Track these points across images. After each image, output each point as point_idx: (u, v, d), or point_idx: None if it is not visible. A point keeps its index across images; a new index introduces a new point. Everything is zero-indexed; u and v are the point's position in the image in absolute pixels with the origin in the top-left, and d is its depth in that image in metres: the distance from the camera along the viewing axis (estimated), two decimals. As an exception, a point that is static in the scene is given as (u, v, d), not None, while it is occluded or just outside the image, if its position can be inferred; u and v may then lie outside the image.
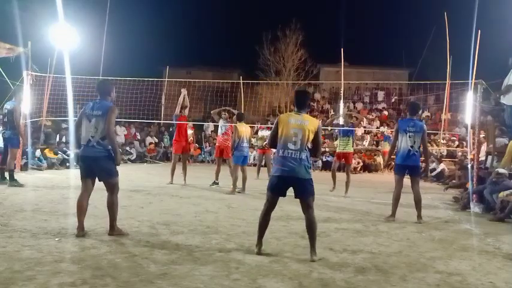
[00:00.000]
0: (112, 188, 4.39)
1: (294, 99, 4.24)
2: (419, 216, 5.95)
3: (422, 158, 6.44)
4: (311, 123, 3.91)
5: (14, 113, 7.74)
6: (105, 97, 4.46)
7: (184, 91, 9.67)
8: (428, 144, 17.97)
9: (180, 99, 9.64)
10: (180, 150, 9.50)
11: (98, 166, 4.31)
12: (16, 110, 7.77)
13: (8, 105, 7.95)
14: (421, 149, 6.02)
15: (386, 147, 17.84)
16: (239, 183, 8.20)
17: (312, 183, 3.89)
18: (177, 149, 9.50)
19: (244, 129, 8.31)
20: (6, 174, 7.78)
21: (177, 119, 9.56)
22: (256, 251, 3.85)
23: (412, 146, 5.94)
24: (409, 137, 5.94)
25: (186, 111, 9.71)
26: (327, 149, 19.02)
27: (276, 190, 3.92)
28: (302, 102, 4.17)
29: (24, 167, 10.56)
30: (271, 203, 3.96)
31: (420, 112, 22.17)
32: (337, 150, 9.14)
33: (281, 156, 3.86)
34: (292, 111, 4.20)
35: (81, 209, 4.36)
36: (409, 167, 6.00)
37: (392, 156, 6.55)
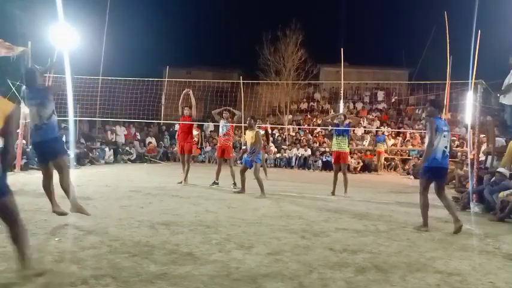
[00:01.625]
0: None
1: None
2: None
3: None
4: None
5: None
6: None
7: (188, 90, 9.70)
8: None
9: (181, 99, 9.68)
10: (180, 150, 9.63)
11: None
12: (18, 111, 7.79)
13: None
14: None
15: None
16: (239, 184, 8.23)
17: None
18: (178, 149, 9.70)
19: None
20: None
21: (180, 119, 9.64)
22: None
23: (446, 147, 5.43)
24: (444, 136, 5.42)
25: (193, 111, 9.63)
26: (327, 149, 19.04)
27: None
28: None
29: (24, 167, 10.57)
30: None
31: (420, 112, 22.24)
32: (333, 149, 9.09)
33: None
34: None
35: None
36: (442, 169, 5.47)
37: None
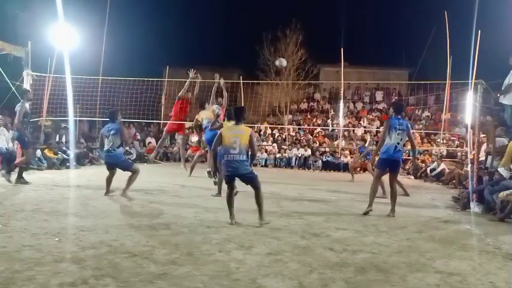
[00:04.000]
0: None
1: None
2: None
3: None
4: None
5: (17, 113, 7.86)
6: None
7: (192, 73, 9.88)
8: (429, 144, 18.06)
9: (187, 85, 9.94)
10: (169, 130, 10.30)
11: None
12: (20, 110, 7.86)
13: (17, 107, 8.06)
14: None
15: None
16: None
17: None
18: (168, 129, 10.46)
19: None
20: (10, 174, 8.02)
21: (178, 100, 9.95)
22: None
23: (398, 143, 6.33)
24: (398, 134, 6.31)
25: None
26: (327, 149, 19.05)
27: None
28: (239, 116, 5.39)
29: (24, 167, 10.56)
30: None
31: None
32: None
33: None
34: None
35: None
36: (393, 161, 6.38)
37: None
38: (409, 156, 18.35)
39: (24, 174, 8.22)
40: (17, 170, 8.09)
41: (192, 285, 3.03)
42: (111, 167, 6.93)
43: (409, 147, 18.91)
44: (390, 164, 6.43)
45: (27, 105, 8.31)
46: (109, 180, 6.97)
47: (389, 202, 6.50)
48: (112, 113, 6.99)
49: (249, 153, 5.17)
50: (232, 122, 5.40)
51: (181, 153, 10.95)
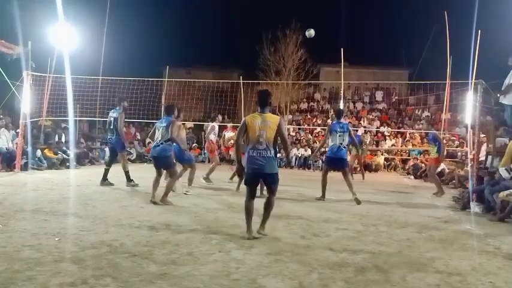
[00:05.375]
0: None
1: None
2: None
3: None
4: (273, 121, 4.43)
5: (119, 120, 8.29)
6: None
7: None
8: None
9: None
10: None
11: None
12: (121, 117, 8.32)
13: (113, 113, 8.42)
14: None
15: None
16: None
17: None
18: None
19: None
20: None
21: None
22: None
23: (341, 143, 7.60)
24: (339, 136, 7.58)
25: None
26: (327, 149, 19.00)
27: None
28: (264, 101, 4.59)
29: (24, 167, 10.57)
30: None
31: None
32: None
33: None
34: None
35: None
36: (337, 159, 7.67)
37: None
38: (409, 156, 18.40)
39: (24, 174, 8.23)
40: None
41: (192, 285, 3.03)
42: (155, 163, 6.63)
43: (410, 147, 19.11)
44: (335, 161, 7.75)
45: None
46: (155, 184, 6.52)
47: (386, 201, 6.58)
48: (170, 107, 6.82)
49: (278, 148, 4.55)
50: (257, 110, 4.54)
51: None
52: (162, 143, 6.38)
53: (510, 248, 4.58)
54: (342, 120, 7.93)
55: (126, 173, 8.42)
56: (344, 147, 7.68)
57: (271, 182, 4.49)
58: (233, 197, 7.46)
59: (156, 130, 6.54)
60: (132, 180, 8.44)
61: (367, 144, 13.24)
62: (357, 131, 20.02)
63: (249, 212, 4.51)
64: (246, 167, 4.43)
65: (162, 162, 6.54)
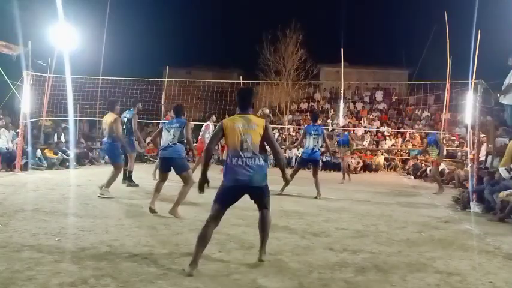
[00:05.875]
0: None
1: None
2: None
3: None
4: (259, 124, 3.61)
5: (133, 121, 8.45)
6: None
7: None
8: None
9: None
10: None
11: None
12: (134, 119, 8.48)
13: (127, 114, 8.57)
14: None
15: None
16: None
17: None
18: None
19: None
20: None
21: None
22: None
23: (315, 145, 8.08)
24: (313, 138, 8.10)
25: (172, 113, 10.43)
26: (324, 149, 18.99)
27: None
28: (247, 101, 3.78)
29: (24, 167, 10.57)
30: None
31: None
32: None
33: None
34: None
35: None
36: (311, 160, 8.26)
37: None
38: (409, 156, 18.39)
39: (23, 174, 8.23)
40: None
41: (192, 285, 3.03)
42: (166, 165, 5.83)
43: (410, 147, 19.11)
44: (309, 162, 8.40)
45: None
46: (158, 188, 5.85)
47: (386, 201, 6.58)
48: (179, 107, 6.22)
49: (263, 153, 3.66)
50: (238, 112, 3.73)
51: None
52: (175, 143, 5.76)
53: (510, 248, 4.58)
54: (320, 122, 8.51)
55: (130, 173, 8.45)
56: (318, 149, 8.22)
57: (260, 196, 3.68)
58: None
59: (165, 131, 5.90)
60: (132, 181, 8.46)
61: (352, 145, 13.16)
62: (353, 131, 20.10)
63: (204, 240, 3.45)
64: (225, 179, 3.60)
65: (175, 164, 5.78)
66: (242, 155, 3.51)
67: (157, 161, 10.93)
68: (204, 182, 3.61)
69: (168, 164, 5.81)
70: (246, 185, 3.52)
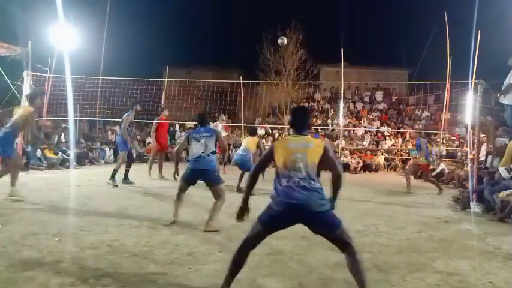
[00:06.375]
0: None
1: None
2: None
3: None
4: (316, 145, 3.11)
5: (124, 121, 8.50)
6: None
7: None
8: (429, 144, 18.08)
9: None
10: (160, 148, 10.78)
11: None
12: (126, 120, 8.48)
13: (124, 115, 8.67)
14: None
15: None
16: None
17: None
18: (159, 147, 10.75)
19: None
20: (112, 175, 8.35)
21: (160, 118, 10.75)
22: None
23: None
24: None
25: (166, 112, 11.05)
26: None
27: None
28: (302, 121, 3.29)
29: (24, 167, 10.56)
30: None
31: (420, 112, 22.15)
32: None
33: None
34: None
35: None
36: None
37: None
38: (408, 156, 18.39)
39: (23, 174, 8.23)
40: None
41: (192, 285, 3.03)
42: (195, 177, 5.36)
43: (410, 147, 19.11)
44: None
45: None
46: (179, 199, 5.33)
47: (386, 201, 6.53)
48: (204, 116, 5.87)
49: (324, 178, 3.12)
50: (291, 132, 3.26)
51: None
52: (208, 154, 5.34)
53: (510, 248, 4.58)
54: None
55: (114, 171, 8.29)
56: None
57: (323, 225, 3.02)
58: (232, 197, 7.45)
59: (194, 141, 5.41)
60: (114, 180, 8.23)
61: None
62: (353, 131, 20.11)
63: (237, 266, 2.99)
64: (273, 202, 3.07)
65: (208, 176, 5.30)
66: (293, 176, 2.96)
67: (151, 157, 11.00)
68: (245, 211, 3.33)
69: (199, 175, 5.34)
70: (299, 207, 2.94)
